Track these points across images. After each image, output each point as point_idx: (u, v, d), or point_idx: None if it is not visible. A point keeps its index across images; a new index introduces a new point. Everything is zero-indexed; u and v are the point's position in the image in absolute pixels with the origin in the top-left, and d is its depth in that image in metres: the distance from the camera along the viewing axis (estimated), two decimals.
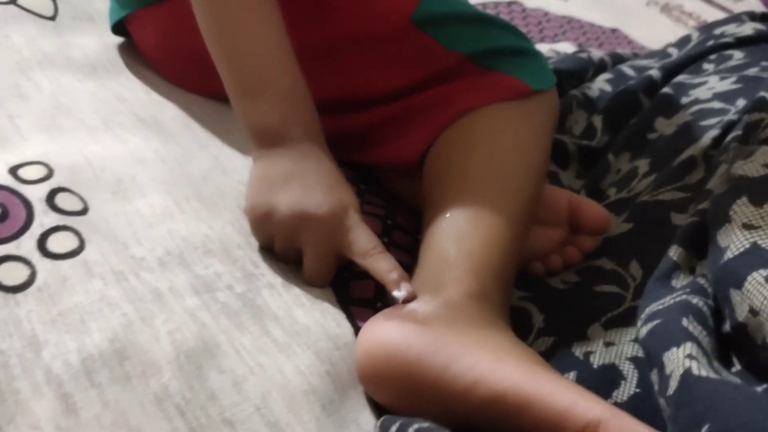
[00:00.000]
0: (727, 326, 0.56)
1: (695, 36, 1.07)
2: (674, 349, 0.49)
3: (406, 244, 0.68)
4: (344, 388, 0.51)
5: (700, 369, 0.48)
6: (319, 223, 0.55)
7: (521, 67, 0.70)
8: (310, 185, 0.57)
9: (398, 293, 0.54)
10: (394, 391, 0.50)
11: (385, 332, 0.51)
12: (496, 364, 0.47)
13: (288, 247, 0.57)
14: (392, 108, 0.69)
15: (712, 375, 0.48)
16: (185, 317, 0.51)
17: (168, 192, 0.60)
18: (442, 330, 0.50)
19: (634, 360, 0.57)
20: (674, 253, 0.62)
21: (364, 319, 0.54)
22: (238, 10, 0.59)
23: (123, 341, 0.48)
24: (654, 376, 0.52)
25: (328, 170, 0.59)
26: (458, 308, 0.52)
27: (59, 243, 0.53)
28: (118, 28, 0.77)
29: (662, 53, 1.06)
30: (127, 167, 0.61)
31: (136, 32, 0.75)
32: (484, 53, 0.69)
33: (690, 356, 0.48)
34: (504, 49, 0.70)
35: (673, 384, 0.47)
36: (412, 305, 0.53)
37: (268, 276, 0.57)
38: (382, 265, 0.55)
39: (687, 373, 0.47)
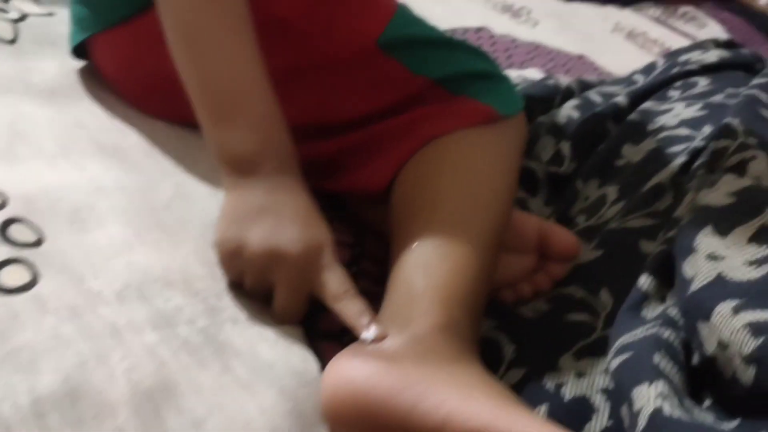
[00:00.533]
0: (695, 360, 0.55)
1: (660, 63, 1.08)
2: (645, 386, 0.49)
3: (375, 273, 0.67)
4: (310, 426, 0.49)
5: (672, 409, 0.47)
6: (292, 262, 0.54)
7: (489, 91, 0.69)
8: (284, 220, 0.55)
9: (367, 334, 0.52)
10: (361, 430, 0.49)
11: (351, 370, 0.49)
12: (465, 402, 0.46)
13: (258, 284, 0.55)
14: (360, 134, 0.69)
15: (683, 416, 0.47)
16: (143, 354, 0.49)
17: (128, 222, 0.58)
18: (410, 366, 0.49)
19: (605, 392, 0.56)
20: (644, 282, 0.61)
21: (332, 354, 0.53)
22: (213, 34, 0.58)
23: (76, 381, 0.45)
24: (624, 410, 0.51)
25: (304, 205, 0.57)
26: (426, 343, 0.51)
27: (11, 277, 0.51)
28: (79, 51, 0.75)
29: (628, 80, 1.07)
30: (85, 196, 0.59)
31: (98, 55, 0.74)
32: (452, 77, 0.69)
33: (661, 395, 0.47)
34: (471, 73, 0.70)
35: (642, 422, 0.46)
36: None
37: (231, 309, 0.55)
38: (352, 309, 0.54)
39: (656, 413, 0.46)
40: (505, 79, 0.73)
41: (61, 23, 0.82)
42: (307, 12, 0.67)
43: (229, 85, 0.57)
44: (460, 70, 0.69)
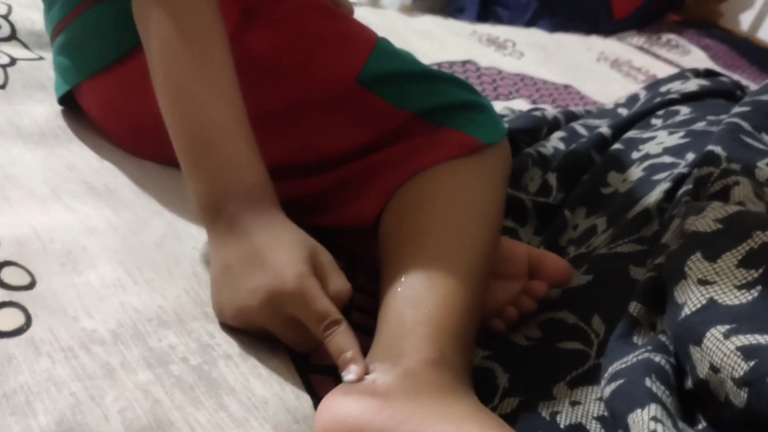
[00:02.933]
0: (689, 383, 0.56)
1: (643, 95, 1.10)
2: (638, 411, 0.49)
3: (367, 306, 0.67)
4: None
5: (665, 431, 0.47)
6: (257, 313, 0.54)
7: (471, 121, 0.70)
8: (245, 274, 0.54)
9: (347, 376, 0.52)
10: None
11: (343, 408, 0.49)
12: None
13: (277, 328, 0.55)
14: (346, 170, 0.69)
15: None
16: (137, 394, 0.49)
17: (120, 262, 0.59)
18: (402, 403, 0.49)
19: (600, 419, 0.56)
20: (634, 309, 0.62)
21: (325, 389, 0.53)
22: (188, 80, 0.58)
23: (70, 422, 0.45)
24: None
25: (277, 244, 0.55)
26: (418, 378, 0.51)
27: (5, 320, 0.51)
28: (65, 97, 0.76)
29: (613, 113, 1.09)
30: (77, 237, 0.60)
31: (83, 102, 0.74)
32: (434, 109, 0.69)
33: (654, 418, 0.47)
34: (453, 104, 0.70)
35: None
36: (371, 377, 0.52)
37: (224, 346, 0.55)
38: (338, 343, 0.53)
39: None
40: (487, 108, 0.73)
41: (51, 67, 0.83)
42: (285, 51, 0.67)
43: (198, 133, 0.57)
44: (442, 102, 0.70)
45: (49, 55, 0.85)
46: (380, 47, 0.71)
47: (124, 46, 0.67)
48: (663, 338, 0.60)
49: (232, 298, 0.55)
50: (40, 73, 0.83)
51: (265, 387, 0.52)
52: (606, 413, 0.56)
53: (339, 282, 0.55)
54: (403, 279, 0.58)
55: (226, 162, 0.57)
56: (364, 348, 0.55)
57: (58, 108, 0.78)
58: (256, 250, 0.54)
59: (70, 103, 0.77)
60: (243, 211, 0.56)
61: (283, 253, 0.54)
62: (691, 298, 0.57)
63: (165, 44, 0.58)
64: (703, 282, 0.57)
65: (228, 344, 0.55)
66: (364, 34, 0.72)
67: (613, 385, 0.54)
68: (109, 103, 0.72)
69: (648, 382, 0.52)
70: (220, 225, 0.56)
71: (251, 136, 0.58)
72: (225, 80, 0.58)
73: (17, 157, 0.68)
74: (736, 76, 1.80)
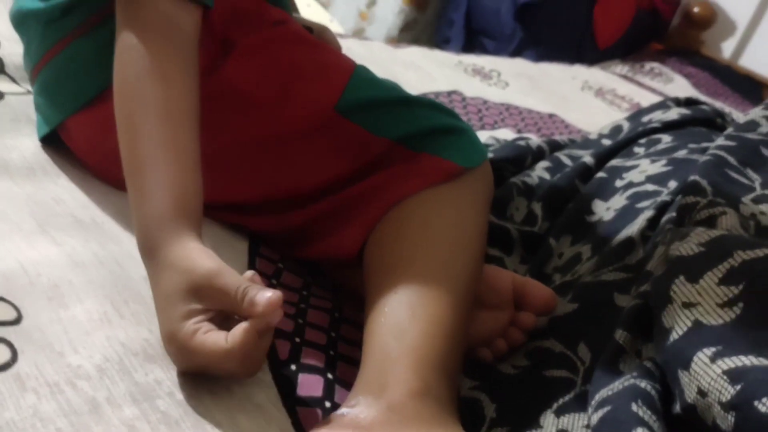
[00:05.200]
0: (677, 407, 0.56)
1: (626, 126, 1.12)
2: None
3: (354, 338, 0.67)
4: None
5: None
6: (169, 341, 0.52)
7: (450, 145, 0.70)
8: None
9: (260, 297, 0.49)
10: None
11: None
12: None
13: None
14: (327, 203, 0.69)
15: None
16: (123, 429, 0.48)
17: (106, 296, 0.59)
18: None
19: None
20: (619, 336, 0.62)
21: (311, 421, 0.53)
22: (136, 118, 0.57)
23: None
24: None
25: (161, 289, 0.53)
26: (402, 410, 0.51)
27: None
28: (49, 136, 0.76)
29: (596, 143, 1.10)
30: (64, 272, 0.60)
31: (65, 138, 0.75)
32: (412, 135, 0.69)
33: None
34: (431, 129, 0.70)
35: None
36: (354, 411, 0.52)
37: (210, 380, 0.55)
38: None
39: None
40: (466, 131, 0.73)
41: None
42: (262, 82, 0.67)
43: (129, 162, 0.57)
44: (420, 127, 0.70)
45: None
46: (357, 75, 0.71)
47: (101, 83, 0.67)
48: (648, 365, 0.60)
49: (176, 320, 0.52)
50: (28, 108, 0.84)
51: (251, 421, 0.52)
52: None
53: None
54: (386, 309, 0.58)
55: (145, 195, 0.56)
56: (350, 380, 0.55)
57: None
58: (155, 290, 0.54)
59: (53, 141, 0.77)
60: (156, 247, 0.54)
61: (161, 303, 0.53)
62: (677, 322, 0.58)
63: (125, 67, 0.58)
64: (688, 305, 0.57)
65: (214, 379, 0.55)
66: (341, 63, 0.73)
67: (600, 412, 0.55)
68: (91, 140, 0.72)
69: (634, 407, 0.52)
70: (147, 262, 0.56)
71: (182, 172, 0.56)
72: (171, 116, 0.57)
73: (4, 191, 0.68)
74: (718, 104, 1.83)
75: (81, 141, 0.73)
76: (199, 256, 0.52)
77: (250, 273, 0.52)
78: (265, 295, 0.49)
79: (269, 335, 0.51)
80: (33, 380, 0.50)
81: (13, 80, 0.89)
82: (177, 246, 0.53)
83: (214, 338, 0.49)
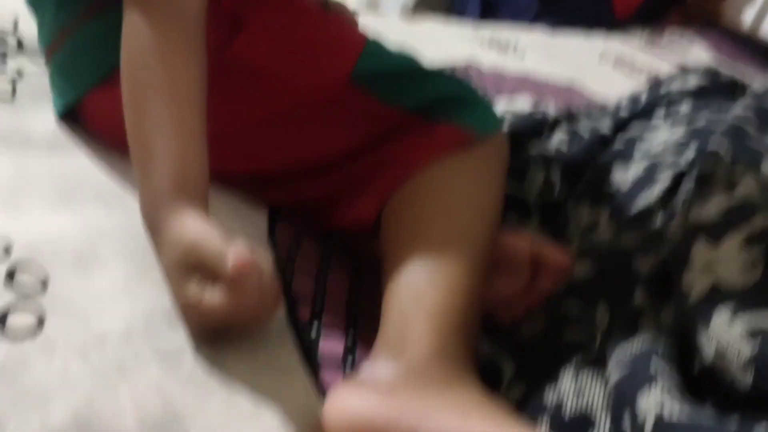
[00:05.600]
0: (696, 368, 0.57)
1: (644, 96, 1.11)
2: (645, 397, 0.50)
3: (374, 302, 0.67)
4: None
5: (672, 414, 0.48)
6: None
7: (465, 114, 0.70)
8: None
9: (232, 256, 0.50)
10: None
11: (348, 404, 0.50)
12: (463, 426, 0.47)
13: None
14: (343, 172, 0.70)
15: (684, 420, 0.48)
16: (150, 390, 0.50)
17: (129, 263, 0.60)
18: (406, 396, 0.50)
19: (605, 407, 0.57)
20: (638, 299, 0.63)
21: (332, 382, 0.54)
22: (145, 94, 0.59)
23: (86, 418, 0.47)
24: (626, 423, 0.52)
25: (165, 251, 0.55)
26: (421, 370, 0.52)
27: (19, 321, 0.52)
28: (68, 114, 0.77)
29: (614, 114, 1.10)
30: (88, 241, 0.61)
31: (82, 116, 0.75)
32: (427, 105, 0.70)
33: (660, 403, 0.48)
34: (445, 98, 0.71)
35: (648, 429, 0.47)
36: (375, 372, 0.53)
37: (234, 342, 0.56)
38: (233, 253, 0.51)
39: (658, 421, 0.47)
40: (480, 100, 0.73)
41: None
42: (273, 55, 0.68)
43: (135, 140, 0.59)
44: (434, 96, 0.70)
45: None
46: (370, 47, 0.71)
47: (115, 61, 0.67)
48: (667, 327, 0.60)
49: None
50: (47, 84, 0.85)
51: (274, 382, 0.53)
52: (611, 401, 0.57)
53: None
54: (405, 275, 0.59)
55: (148, 172, 0.58)
56: (371, 342, 0.56)
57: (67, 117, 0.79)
58: (162, 266, 0.56)
59: (71, 119, 0.78)
60: (161, 220, 0.56)
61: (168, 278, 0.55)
62: (697, 284, 0.58)
63: (131, 47, 0.59)
64: (708, 267, 0.58)
65: (238, 339, 0.56)
66: (354, 36, 0.73)
67: (618, 372, 0.55)
68: (107, 117, 0.72)
69: (653, 369, 0.53)
70: (153, 235, 0.58)
71: (183, 149, 0.58)
72: (175, 95, 0.58)
73: (28, 164, 0.69)
74: (738, 74, 1.81)
75: (97, 119, 0.74)
76: (191, 227, 0.54)
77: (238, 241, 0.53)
78: (236, 255, 0.50)
79: (270, 281, 0.52)
80: (61, 345, 0.51)
81: (32, 59, 0.90)
82: (176, 221, 0.55)
83: (207, 299, 0.51)
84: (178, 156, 0.57)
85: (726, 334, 0.53)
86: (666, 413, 0.48)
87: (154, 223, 0.57)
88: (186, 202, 0.55)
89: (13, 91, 0.82)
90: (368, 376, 0.53)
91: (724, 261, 0.58)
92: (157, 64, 0.58)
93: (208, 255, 0.52)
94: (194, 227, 0.54)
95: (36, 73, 0.86)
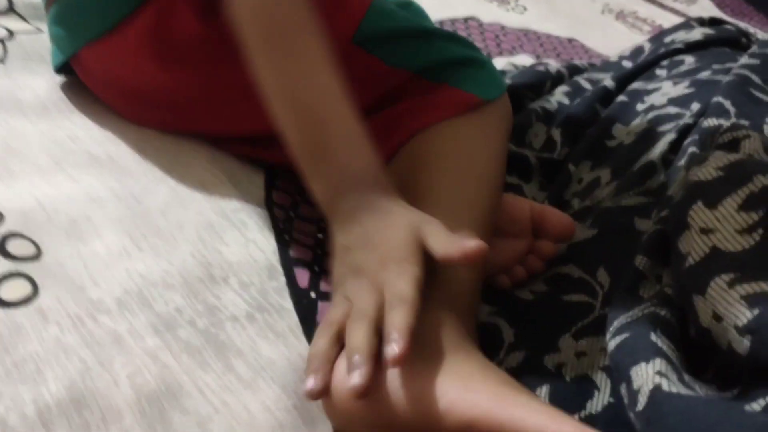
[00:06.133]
0: (692, 332, 0.56)
1: (647, 47, 1.08)
2: (643, 365, 0.49)
3: None
4: (313, 421, 0.50)
5: (670, 386, 0.48)
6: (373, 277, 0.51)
7: (469, 77, 0.69)
8: (366, 249, 0.53)
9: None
10: (364, 427, 0.49)
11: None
12: (465, 392, 0.46)
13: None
14: None
15: (683, 390, 0.47)
16: (145, 359, 0.49)
17: (124, 230, 0.59)
18: (409, 363, 0.49)
19: (606, 369, 0.56)
20: (639, 262, 0.62)
21: None
22: (295, 71, 0.56)
23: (81, 388, 0.46)
24: (623, 389, 0.52)
25: (384, 227, 0.53)
26: (424, 337, 0.51)
27: (12, 290, 0.51)
28: (63, 67, 0.76)
29: (617, 66, 1.07)
30: (82, 207, 0.60)
31: (81, 72, 0.74)
32: (431, 67, 0.69)
33: (660, 373, 0.47)
34: (450, 60, 0.70)
35: (642, 400, 0.47)
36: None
37: (230, 307, 0.56)
38: (391, 319, 0.47)
39: (656, 390, 0.46)
40: (485, 63, 0.72)
41: (49, 40, 0.83)
42: None
43: (310, 133, 0.56)
44: (439, 59, 0.69)
45: (46, 27, 0.84)
46: (375, 7, 0.70)
47: (118, 14, 0.67)
48: (669, 291, 0.59)
49: (341, 273, 0.53)
50: (39, 46, 0.83)
51: (272, 348, 0.53)
52: (611, 368, 0.56)
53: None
54: None
55: (337, 159, 0.55)
56: None
57: (59, 80, 0.77)
58: (367, 236, 0.53)
59: (67, 73, 0.76)
60: (358, 202, 0.54)
61: (388, 238, 0.52)
62: (694, 248, 0.57)
63: (260, 37, 0.57)
64: (705, 231, 0.57)
65: (234, 306, 0.56)
66: None
67: (618, 339, 0.54)
68: (106, 72, 0.71)
69: (653, 337, 0.52)
70: (338, 216, 0.55)
71: (357, 122, 0.56)
72: (326, 70, 0.56)
73: (19, 129, 0.68)
74: (743, 24, 1.77)
75: (96, 73, 0.73)
76: (413, 210, 0.53)
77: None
78: (471, 243, 0.49)
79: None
80: (55, 313, 0.51)
81: (23, 18, 0.88)
82: (388, 197, 0.54)
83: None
84: (364, 132, 0.55)
85: (724, 299, 0.52)
86: (665, 384, 0.47)
87: (357, 201, 0.54)
88: (387, 181, 0.54)
89: (4, 52, 0.80)
90: None
91: (722, 225, 0.57)
92: (290, 45, 0.56)
93: (438, 234, 0.50)
94: (418, 212, 0.53)
95: (28, 33, 0.84)
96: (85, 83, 0.75)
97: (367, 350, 0.46)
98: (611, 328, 0.56)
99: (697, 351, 0.56)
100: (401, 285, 0.48)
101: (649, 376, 0.49)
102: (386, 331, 0.46)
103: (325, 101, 0.56)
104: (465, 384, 0.47)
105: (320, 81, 0.56)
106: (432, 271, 0.55)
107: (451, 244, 0.50)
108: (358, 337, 0.47)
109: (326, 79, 0.56)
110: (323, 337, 0.49)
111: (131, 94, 0.71)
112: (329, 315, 0.50)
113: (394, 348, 0.45)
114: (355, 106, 0.56)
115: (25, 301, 0.51)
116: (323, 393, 0.47)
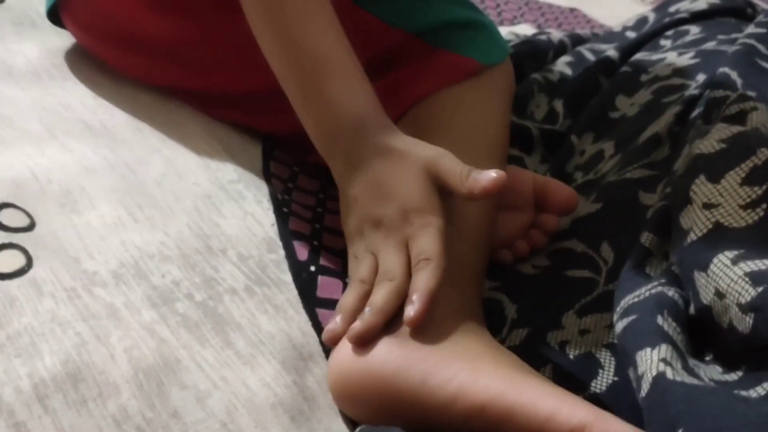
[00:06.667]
0: (692, 309, 0.55)
1: (652, 17, 1.07)
2: (648, 350, 0.48)
3: None
4: (313, 397, 0.49)
5: (674, 374, 0.47)
6: (395, 231, 0.52)
7: (469, 41, 0.67)
8: (380, 200, 0.53)
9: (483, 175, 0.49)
10: (371, 408, 0.48)
11: (357, 351, 0.48)
12: (475, 375, 0.45)
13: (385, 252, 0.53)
14: None
15: (686, 378, 0.46)
16: (142, 333, 0.48)
17: (119, 201, 0.58)
18: (417, 343, 0.48)
19: (610, 347, 0.56)
20: (645, 239, 0.61)
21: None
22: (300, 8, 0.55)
23: (77, 362, 0.45)
24: (631, 373, 0.51)
25: (396, 172, 0.53)
26: (431, 316, 0.50)
27: (5, 262, 0.50)
28: (54, 19, 0.73)
29: (620, 36, 1.06)
30: (75, 178, 0.58)
31: (71, 20, 0.72)
32: (430, 29, 0.66)
33: (664, 360, 0.47)
34: (450, 23, 0.67)
35: (645, 386, 0.46)
36: None
37: (229, 280, 0.54)
38: (416, 281, 0.49)
39: (660, 377, 0.46)
40: (487, 26, 0.70)
41: (41, 4, 0.81)
42: None
43: (305, 66, 0.55)
44: (438, 20, 0.67)
45: None
46: None
47: None
48: (676, 269, 0.58)
49: (357, 224, 0.53)
50: (30, 11, 0.81)
51: (271, 323, 0.52)
52: (615, 341, 0.55)
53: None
54: None
55: (332, 95, 0.54)
56: None
57: (51, 45, 0.75)
58: (378, 182, 0.52)
59: (57, 22, 0.74)
60: (357, 143, 0.53)
61: (402, 185, 0.52)
62: (696, 223, 0.56)
63: None
64: (708, 205, 0.55)
65: (233, 278, 0.54)
66: None
67: (625, 321, 0.53)
68: (97, 12, 0.69)
69: (660, 320, 0.51)
70: (337, 159, 0.55)
71: (356, 64, 0.55)
72: (329, 11, 0.56)
73: (10, 96, 0.66)
74: None
75: (85, 19, 0.70)
76: (424, 145, 0.53)
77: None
78: (490, 174, 0.49)
79: None
80: (49, 285, 0.49)
81: None
82: (399, 138, 0.54)
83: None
84: (359, 68, 0.55)
85: (726, 276, 0.51)
86: (669, 372, 0.46)
87: (357, 143, 0.53)
88: (388, 119, 0.54)
89: None
90: None
91: (725, 200, 0.56)
92: None
93: (453, 169, 0.50)
94: (427, 146, 0.53)
95: None
96: (70, 30, 0.73)
97: (379, 306, 0.49)
98: (618, 309, 0.55)
99: (700, 330, 0.55)
100: (426, 241, 0.49)
101: (653, 362, 0.48)
102: (410, 291, 0.48)
103: (319, 40, 0.55)
104: (475, 366, 0.46)
105: (316, 22, 0.55)
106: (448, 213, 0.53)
107: (470, 179, 0.50)
108: (381, 297, 0.49)
109: (321, 22, 0.55)
110: (352, 293, 0.51)
111: (122, 40, 0.69)
112: (359, 271, 0.52)
113: (410, 311, 0.47)
114: (353, 50, 0.56)
115: (18, 273, 0.49)
116: (340, 337, 0.49)
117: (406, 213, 0.50)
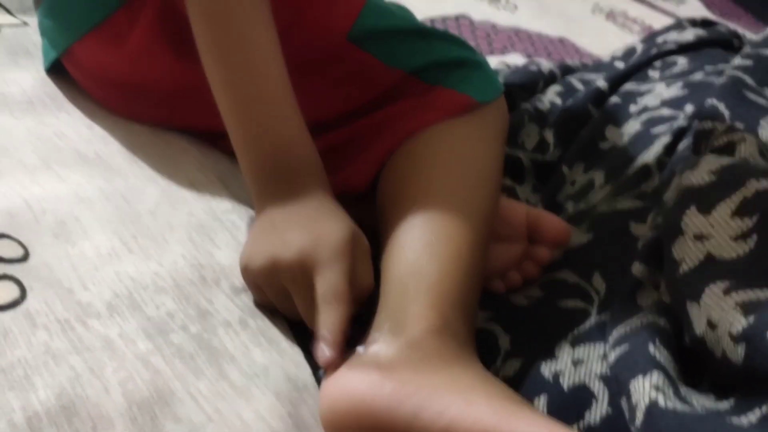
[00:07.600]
0: (686, 339, 0.55)
1: (640, 48, 1.08)
2: (640, 379, 0.48)
3: None
4: (307, 429, 0.49)
5: (666, 401, 0.47)
6: (286, 267, 0.53)
7: (465, 79, 0.68)
8: (288, 227, 0.55)
9: (319, 354, 0.51)
10: None
11: (348, 383, 0.48)
12: (467, 408, 0.45)
13: (276, 297, 0.55)
14: (339, 134, 0.68)
15: (679, 406, 0.47)
16: (137, 364, 0.48)
17: (114, 231, 0.58)
18: (408, 375, 0.48)
19: (604, 378, 0.56)
20: (637, 270, 0.61)
21: None
22: (239, 23, 0.57)
23: (71, 396, 0.45)
24: (624, 403, 0.51)
25: (326, 214, 0.56)
26: (422, 347, 0.50)
27: None
28: (54, 67, 0.74)
29: (609, 66, 1.07)
30: (70, 208, 0.59)
31: (72, 66, 0.73)
32: (426, 68, 0.68)
33: (656, 387, 0.47)
34: (446, 61, 0.69)
35: (639, 416, 0.46)
36: (374, 349, 0.50)
37: (223, 312, 0.55)
38: (324, 318, 0.51)
39: (653, 406, 0.46)
40: (481, 65, 0.71)
41: (36, 33, 0.81)
42: (272, 12, 0.65)
43: (251, 86, 0.57)
44: (435, 60, 0.68)
45: (32, 20, 0.83)
46: (371, 4, 0.69)
47: (110, 5, 0.65)
48: (667, 299, 0.59)
49: (267, 246, 0.54)
50: (24, 39, 0.81)
51: (265, 355, 0.52)
52: (608, 371, 0.56)
53: (365, 275, 0.55)
54: (403, 245, 0.57)
55: (279, 128, 0.57)
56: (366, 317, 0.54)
57: (45, 75, 0.76)
58: (306, 214, 0.55)
59: (57, 68, 0.75)
60: (296, 183, 0.56)
61: (329, 223, 0.54)
62: (688, 254, 0.56)
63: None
64: (699, 237, 0.56)
65: (227, 311, 0.55)
66: None
67: (618, 351, 0.54)
68: (98, 64, 0.70)
69: (652, 348, 0.51)
70: (269, 189, 0.56)
71: (290, 93, 0.58)
72: (263, 29, 0.57)
73: (4, 126, 0.66)
74: (732, 25, 1.78)
75: (88, 67, 0.71)
76: (347, 219, 0.56)
77: None
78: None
79: None
80: (43, 317, 0.49)
81: (8, 11, 0.86)
82: (329, 193, 0.57)
83: None
84: (297, 112, 0.57)
85: (719, 306, 0.51)
86: (661, 400, 0.47)
87: (290, 172, 0.56)
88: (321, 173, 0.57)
89: None
90: (366, 353, 0.51)
91: (716, 232, 0.56)
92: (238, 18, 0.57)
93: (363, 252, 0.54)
94: (347, 220, 0.56)
95: (14, 27, 0.83)
96: (75, 78, 0.74)
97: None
98: (611, 339, 0.55)
99: (693, 360, 0.55)
100: (333, 278, 0.52)
101: (645, 390, 0.48)
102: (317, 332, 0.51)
103: (257, 59, 0.57)
104: (466, 399, 0.46)
105: (255, 38, 0.57)
106: (429, 274, 0.54)
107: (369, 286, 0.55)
108: (328, 318, 0.51)
109: (260, 37, 0.57)
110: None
111: (123, 87, 0.69)
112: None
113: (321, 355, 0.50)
114: (288, 77, 0.57)
115: (12, 305, 0.49)
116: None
117: (318, 246, 0.53)
